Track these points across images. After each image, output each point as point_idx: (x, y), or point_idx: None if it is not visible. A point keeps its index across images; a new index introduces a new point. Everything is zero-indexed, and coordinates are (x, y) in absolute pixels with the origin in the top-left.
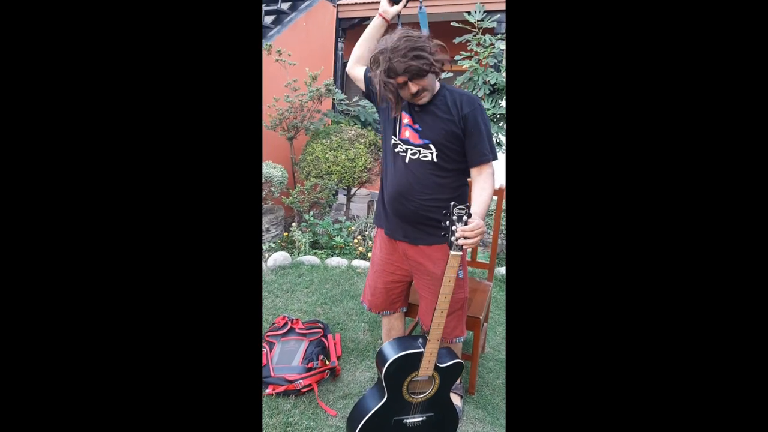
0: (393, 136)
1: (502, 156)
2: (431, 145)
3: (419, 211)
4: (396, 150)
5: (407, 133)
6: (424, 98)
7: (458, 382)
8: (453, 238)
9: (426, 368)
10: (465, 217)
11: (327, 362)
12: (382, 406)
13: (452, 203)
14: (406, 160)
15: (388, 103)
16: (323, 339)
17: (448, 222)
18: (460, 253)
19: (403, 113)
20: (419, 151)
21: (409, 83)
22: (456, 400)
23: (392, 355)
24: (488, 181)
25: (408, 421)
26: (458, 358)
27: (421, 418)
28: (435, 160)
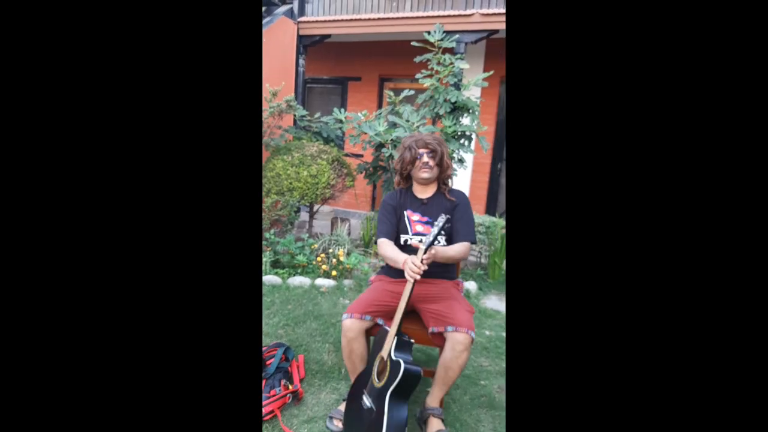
0: (404, 235)
1: (464, 172)
2: (443, 231)
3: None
4: (408, 243)
5: (419, 227)
6: (425, 174)
7: (438, 406)
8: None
9: (386, 348)
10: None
11: (289, 386)
12: (363, 372)
13: (446, 217)
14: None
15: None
16: (285, 363)
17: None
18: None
19: (410, 212)
20: None
21: (425, 155)
22: (438, 424)
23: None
24: (464, 249)
25: (363, 398)
26: (416, 367)
27: (369, 404)
28: (445, 244)
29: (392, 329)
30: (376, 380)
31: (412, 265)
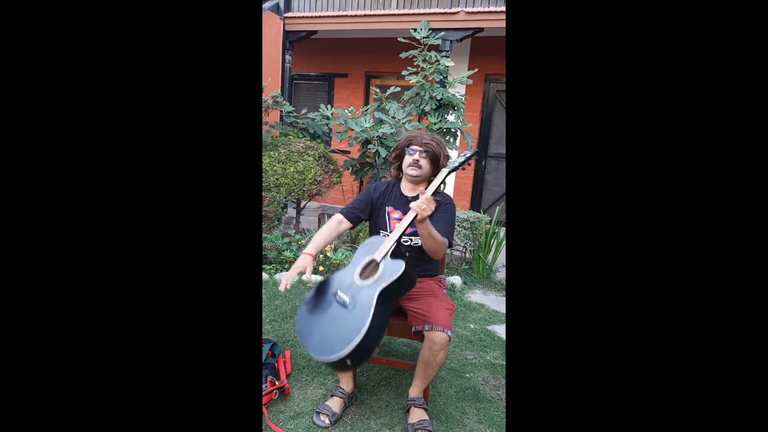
0: (383, 231)
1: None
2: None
3: None
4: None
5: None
6: (412, 171)
7: (420, 397)
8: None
9: (382, 251)
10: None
11: (276, 382)
12: (338, 273)
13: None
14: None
15: (376, 215)
16: (272, 359)
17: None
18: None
19: (392, 209)
20: (410, 239)
21: (417, 153)
22: (421, 414)
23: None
24: (443, 241)
25: (339, 293)
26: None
27: (345, 298)
28: (421, 244)
29: (394, 235)
30: (359, 279)
31: (420, 202)
